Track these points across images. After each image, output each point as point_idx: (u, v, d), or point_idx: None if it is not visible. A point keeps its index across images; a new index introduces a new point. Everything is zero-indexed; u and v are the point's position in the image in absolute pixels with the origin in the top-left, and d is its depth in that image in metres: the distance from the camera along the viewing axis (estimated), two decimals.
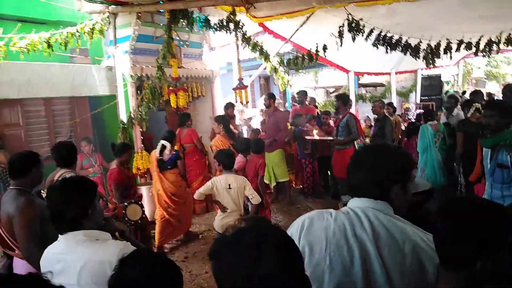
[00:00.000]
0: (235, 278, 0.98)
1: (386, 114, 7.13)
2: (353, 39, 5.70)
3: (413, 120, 10.49)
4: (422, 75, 12.45)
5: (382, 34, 5.80)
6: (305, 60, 6.78)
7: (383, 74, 11.89)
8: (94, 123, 7.03)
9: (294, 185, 7.79)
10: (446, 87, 13.33)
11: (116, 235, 2.20)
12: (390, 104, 7.95)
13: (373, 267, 1.34)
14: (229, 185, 4.26)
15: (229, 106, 7.42)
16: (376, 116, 6.98)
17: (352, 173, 1.51)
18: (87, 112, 6.80)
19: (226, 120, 5.75)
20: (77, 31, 5.53)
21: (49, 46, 5.20)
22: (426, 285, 1.31)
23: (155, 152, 5.52)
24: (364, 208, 1.44)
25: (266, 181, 6.65)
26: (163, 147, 5.41)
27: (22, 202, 2.71)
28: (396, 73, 11.85)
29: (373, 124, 8.03)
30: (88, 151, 6.35)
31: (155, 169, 5.48)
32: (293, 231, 1.45)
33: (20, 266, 2.80)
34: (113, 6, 5.84)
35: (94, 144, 6.59)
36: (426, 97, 12.31)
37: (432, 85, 12.29)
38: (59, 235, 1.86)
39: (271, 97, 7.22)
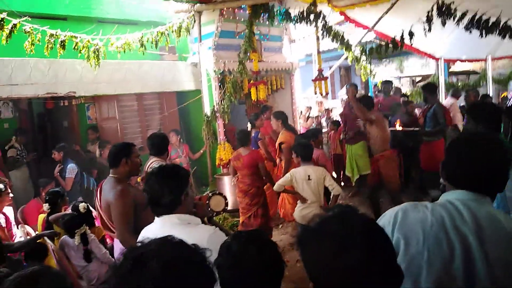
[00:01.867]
0: (322, 267, 0.98)
1: None
2: (443, 23, 5.32)
3: None
4: None
5: (477, 17, 5.32)
6: (389, 48, 6.47)
7: (477, 60, 10.94)
8: (181, 116, 7.45)
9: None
10: None
11: (205, 221, 2.34)
12: (485, 96, 6.97)
13: (475, 262, 1.26)
14: (309, 176, 4.25)
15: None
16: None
17: (454, 165, 1.43)
18: (174, 106, 7.22)
19: (284, 115, 5.63)
20: (166, 30, 5.87)
21: (142, 45, 5.59)
22: None
23: None
24: (464, 200, 1.36)
25: (348, 174, 6.51)
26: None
27: (119, 190, 2.94)
28: (493, 59, 10.81)
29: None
30: (175, 142, 6.73)
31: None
32: (384, 223, 1.38)
33: (120, 247, 3.09)
34: (198, 5, 6.10)
35: (181, 136, 6.98)
36: None
37: None
38: (156, 217, 2.00)
39: (353, 87, 6.99)
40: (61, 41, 4.83)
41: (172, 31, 5.93)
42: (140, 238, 2.05)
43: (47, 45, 4.72)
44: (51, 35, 4.76)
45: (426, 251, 1.29)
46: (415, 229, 1.31)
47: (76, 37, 5.05)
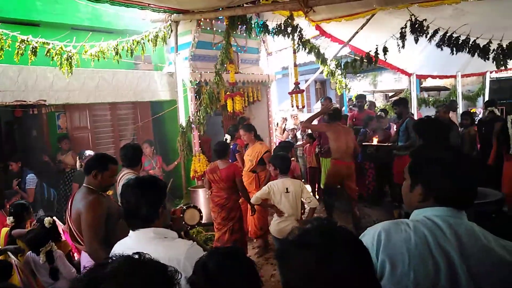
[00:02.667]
0: (303, 279, 0.97)
1: (451, 119, 6.77)
2: (416, 40, 5.45)
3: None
4: (491, 78, 11.68)
5: (448, 34, 5.49)
6: (364, 63, 6.59)
7: (447, 77, 11.30)
8: (155, 127, 7.33)
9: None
10: None
11: (181, 235, 2.27)
12: (466, 114, 6.97)
13: (460, 278, 1.26)
14: (287, 188, 4.22)
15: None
16: None
17: (438, 181, 1.41)
18: (149, 116, 7.11)
19: (254, 127, 5.63)
20: (142, 39, 5.80)
21: (117, 53, 5.49)
22: None
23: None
24: (443, 216, 1.36)
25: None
26: (225, 140, 5.61)
27: (90, 200, 2.86)
28: (462, 76, 11.20)
29: None
30: (149, 153, 6.60)
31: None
32: (367, 243, 1.33)
33: (88, 261, 2.97)
34: (175, 14, 6.06)
35: (155, 146, 6.85)
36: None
37: (502, 88, 11.52)
38: (130, 231, 1.93)
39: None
40: (33, 47, 4.69)
41: (148, 40, 5.86)
42: (112, 252, 1.96)
43: (17, 51, 4.58)
44: (22, 41, 4.61)
45: (412, 272, 1.27)
46: (400, 250, 1.29)
47: (48, 44, 4.92)
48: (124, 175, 3.67)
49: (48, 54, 4.92)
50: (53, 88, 5.36)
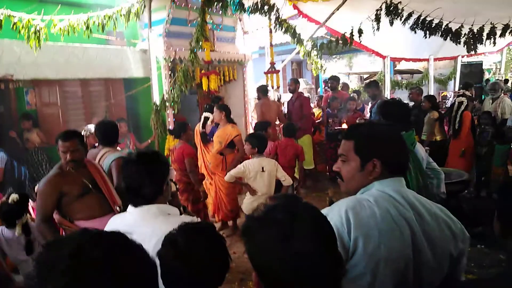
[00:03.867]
0: (268, 256, 0.98)
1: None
2: (391, 23, 5.52)
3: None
4: (462, 62, 11.96)
5: (421, 18, 5.58)
6: (339, 44, 6.63)
7: (420, 60, 11.49)
8: (128, 104, 7.18)
9: (328, 174, 7.60)
10: (487, 75, 12.78)
11: (181, 210, 2.27)
12: (429, 97, 6.87)
13: (421, 245, 1.37)
14: (263, 168, 4.28)
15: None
16: (413, 103, 6.77)
17: (392, 153, 1.52)
18: (122, 94, 6.96)
19: (228, 108, 5.58)
20: (114, 14, 5.62)
21: (88, 28, 5.31)
22: (457, 251, 1.43)
23: (198, 126, 5.65)
24: (396, 188, 1.46)
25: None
26: (206, 119, 5.57)
27: (45, 178, 3.00)
28: (435, 59, 11.42)
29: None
30: (124, 131, 6.49)
31: (199, 143, 5.57)
32: (336, 223, 1.35)
33: None
34: None
35: (128, 124, 6.74)
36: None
37: (473, 72, 11.82)
38: (130, 208, 1.89)
39: (295, 81, 7.12)
40: None
41: (121, 15, 5.68)
42: (107, 227, 1.93)
43: None
44: None
45: (383, 244, 1.33)
46: (369, 226, 1.35)
47: (14, 16, 4.72)
48: (106, 154, 3.60)
49: (14, 27, 4.71)
50: (20, 63, 5.15)
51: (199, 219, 1.89)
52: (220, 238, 1.51)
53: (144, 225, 1.78)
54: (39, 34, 4.85)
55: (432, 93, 11.71)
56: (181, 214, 2.12)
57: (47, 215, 2.94)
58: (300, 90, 9.25)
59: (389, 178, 1.47)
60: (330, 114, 7.25)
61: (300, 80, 12.55)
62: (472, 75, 11.80)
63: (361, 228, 1.34)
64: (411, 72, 13.45)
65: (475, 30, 5.45)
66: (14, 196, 3.30)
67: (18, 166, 5.43)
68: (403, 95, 9.85)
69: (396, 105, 3.21)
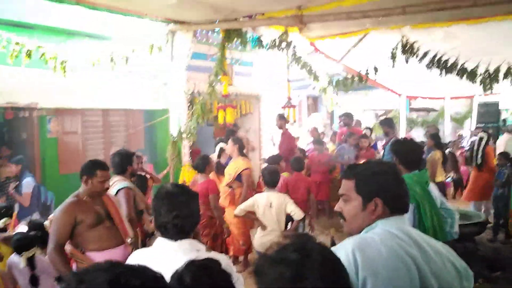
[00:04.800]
0: None
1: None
2: (406, 61, 5.58)
3: (466, 148, 10.07)
4: (478, 101, 11.93)
5: (437, 57, 5.64)
6: (354, 81, 6.71)
7: (436, 99, 11.51)
8: (146, 135, 7.32)
9: None
10: (504, 115, 12.68)
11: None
12: (433, 135, 6.81)
13: (428, 282, 1.36)
14: (271, 203, 4.25)
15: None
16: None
17: (393, 190, 1.54)
18: (141, 124, 7.10)
19: (241, 141, 5.63)
20: (138, 47, 5.83)
21: (112, 60, 5.51)
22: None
23: (213, 156, 5.67)
24: (399, 226, 1.47)
25: None
26: (221, 150, 5.57)
27: (62, 205, 2.99)
28: (451, 98, 11.43)
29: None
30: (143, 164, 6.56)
31: (213, 172, 5.57)
32: (344, 263, 1.35)
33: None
34: (172, 25, 6.12)
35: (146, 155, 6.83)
36: (482, 124, 11.75)
37: (489, 112, 11.74)
38: (161, 241, 1.86)
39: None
40: (27, 50, 4.70)
41: (144, 49, 5.90)
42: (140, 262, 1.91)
43: (12, 53, 4.58)
44: (17, 43, 4.63)
45: (391, 284, 1.32)
46: (377, 265, 1.34)
47: (42, 47, 4.94)
48: (116, 183, 3.66)
49: (42, 57, 4.93)
50: (45, 92, 5.35)
51: (228, 257, 1.88)
52: (227, 276, 1.49)
53: (175, 262, 1.68)
54: (65, 64, 5.05)
55: (448, 132, 11.66)
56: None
57: (60, 243, 2.91)
58: (315, 125, 9.33)
59: (392, 217, 1.48)
60: (343, 150, 7.25)
61: (316, 115, 12.65)
62: (489, 114, 11.72)
63: (369, 267, 1.33)
64: (427, 110, 13.44)
65: (492, 70, 5.47)
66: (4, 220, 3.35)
67: (45, 191, 5.53)
68: (418, 133, 9.82)
69: (409, 144, 3.25)
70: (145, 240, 3.64)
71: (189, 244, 1.84)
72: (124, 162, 3.80)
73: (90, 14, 5.86)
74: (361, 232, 1.51)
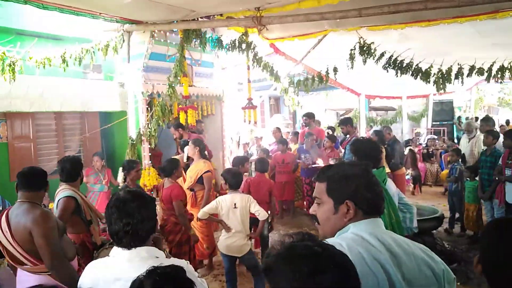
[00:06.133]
0: None
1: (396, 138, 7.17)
2: (364, 61, 5.71)
3: (424, 145, 10.44)
4: (434, 100, 12.40)
5: (393, 58, 5.81)
6: (315, 81, 6.79)
7: (394, 98, 11.88)
8: (103, 138, 7.08)
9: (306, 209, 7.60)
10: (458, 113, 13.27)
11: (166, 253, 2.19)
12: (377, 132, 7.09)
13: (400, 287, 1.34)
14: (235, 204, 4.21)
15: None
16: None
17: (363, 192, 1.49)
18: (97, 127, 6.86)
19: (203, 144, 5.56)
20: (92, 48, 5.64)
21: (64, 61, 5.29)
22: None
23: (182, 158, 5.57)
24: (369, 230, 1.43)
25: None
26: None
27: (41, 213, 2.73)
28: (408, 97, 11.83)
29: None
30: (99, 166, 6.35)
31: (182, 175, 5.43)
32: None
33: (26, 281, 2.76)
34: (127, 25, 5.96)
35: (103, 159, 6.61)
36: (438, 122, 12.23)
37: (444, 110, 12.26)
38: (116, 250, 1.80)
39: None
40: None
41: (99, 49, 5.71)
42: (90, 279, 1.81)
43: None
44: None
45: None
46: None
47: None
48: (60, 192, 3.46)
49: None
50: None
51: (188, 263, 1.83)
52: (189, 282, 1.46)
53: (133, 271, 1.64)
54: (14, 66, 4.80)
55: (405, 130, 12.05)
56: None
57: (61, 251, 2.76)
58: (277, 125, 9.37)
59: (364, 220, 1.45)
60: (302, 150, 7.34)
61: (278, 115, 12.72)
62: (444, 112, 12.23)
63: None
64: (386, 109, 13.84)
65: (444, 70, 5.69)
66: None
67: (2, 199, 5.23)
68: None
69: (367, 143, 3.32)
70: (93, 253, 3.47)
71: (146, 252, 1.78)
72: (75, 169, 3.60)
73: (41, 13, 5.63)
74: (334, 235, 1.49)
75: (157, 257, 1.78)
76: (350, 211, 1.46)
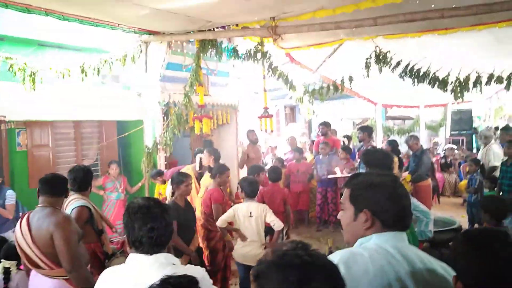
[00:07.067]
0: None
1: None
2: (380, 70, 5.67)
3: (442, 155, 10.26)
4: (452, 109, 12.20)
5: (410, 66, 5.75)
6: (330, 90, 6.78)
7: (411, 107, 11.73)
8: (120, 147, 7.17)
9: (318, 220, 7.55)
10: (477, 122, 13.02)
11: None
12: (391, 141, 7.25)
13: None
14: (250, 213, 4.21)
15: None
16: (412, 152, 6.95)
17: (384, 205, 1.47)
18: (114, 136, 6.96)
19: (218, 153, 5.64)
20: (110, 58, 5.74)
21: (83, 71, 5.40)
22: None
23: (194, 167, 5.66)
24: (394, 244, 1.42)
25: None
26: (200, 159, 5.58)
27: (63, 217, 2.84)
28: (425, 106, 11.66)
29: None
30: (115, 174, 6.43)
31: (195, 184, 5.47)
32: None
33: (40, 285, 2.81)
34: (145, 35, 6.05)
35: (119, 167, 6.69)
36: (456, 132, 12.02)
37: (463, 119, 12.04)
38: (133, 256, 1.83)
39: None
40: None
41: (117, 60, 5.81)
42: (109, 284, 1.84)
43: None
44: None
45: None
46: (361, 283, 1.32)
47: (11, 58, 4.81)
48: (72, 201, 3.51)
49: (11, 69, 4.79)
50: (14, 104, 5.18)
51: (204, 270, 1.84)
52: None
53: (154, 276, 1.63)
54: (34, 76, 4.92)
55: (423, 140, 11.86)
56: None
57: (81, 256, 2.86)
58: (292, 134, 9.35)
59: (388, 232, 1.44)
60: (319, 160, 7.28)
61: (293, 124, 12.70)
62: (462, 122, 12.01)
63: (350, 283, 1.29)
64: (403, 118, 13.68)
65: (462, 79, 5.61)
66: None
67: (22, 206, 5.37)
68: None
69: (378, 152, 3.31)
70: (105, 262, 3.50)
71: (165, 258, 1.81)
72: (86, 178, 3.66)
73: (61, 24, 5.77)
74: (356, 242, 1.50)
75: (174, 264, 1.81)
76: (368, 220, 1.45)
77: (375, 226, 1.45)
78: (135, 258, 1.83)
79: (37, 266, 2.83)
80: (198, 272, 1.75)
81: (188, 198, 5.01)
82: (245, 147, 7.25)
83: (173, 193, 4.27)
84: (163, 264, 1.77)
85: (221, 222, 4.28)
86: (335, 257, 1.38)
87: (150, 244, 1.80)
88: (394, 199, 1.46)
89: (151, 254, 1.80)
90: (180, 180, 4.23)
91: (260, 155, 6.97)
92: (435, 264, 1.43)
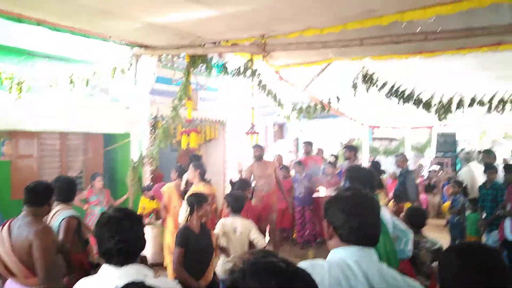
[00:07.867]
0: None
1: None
2: (367, 90, 5.78)
3: (426, 177, 10.38)
4: (438, 132, 12.42)
5: (395, 87, 5.88)
6: (317, 109, 6.86)
7: (398, 128, 11.89)
8: (106, 159, 7.12)
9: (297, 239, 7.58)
10: (461, 145, 13.26)
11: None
12: (374, 162, 7.40)
13: None
14: (236, 228, 4.19)
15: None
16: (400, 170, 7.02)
17: (342, 220, 1.49)
18: (101, 148, 6.91)
19: (203, 168, 5.63)
20: (100, 70, 5.74)
21: (71, 82, 5.38)
22: None
23: (176, 184, 5.62)
24: (356, 259, 1.43)
25: None
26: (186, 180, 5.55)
27: (43, 228, 2.81)
28: (412, 128, 11.84)
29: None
30: (100, 186, 6.36)
31: (178, 201, 5.40)
32: None
33: None
34: (136, 48, 6.08)
35: (104, 180, 6.61)
36: (441, 154, 12.21)
37: (447, 142, 12.24)
38: (106, 268, 1.81)
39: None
40: None
41: (107, 70, 5.81)
42: None
43: None
44: None
45: None
46: None
47: None
48: (59, 211, 3.48)
49: None
50: None
51: (176, 282, 1.84)
52: None
53: None
54: (21, 85, 4.89)
55: (409, 161, 11.99)
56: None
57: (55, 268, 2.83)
58: (280, 152, 9.40)
59: (353, 246, 1.45)
60: (296, 179, 7.40)
61: (282, 141, 12.75)
62: (447, 144, 12.22)
63: None
64: (389, 139, 13.85)
65: (445, 101, 5.74)
66: None
67: (3, 217, 5.24)
68: (383, 161, 10.04)
69: (362, 170, 3.36)
70: (90, 272, 3.45)
71: (136, 270, 1.79)
72: (71, 189, 3.65)
73: (51, 34, 5.77)
74: None
75: (145, 276, 1.79)
76: (328, 231, 1.51)
77: (334, 239, 1.49)
78: (105, 269, 1.82)
79: (12, 274, 2.79)
80: (170, 284, 1.76)
81: (173, 218, 4.98)
82: (242, 167, 7.23)
83: (189, 216, 3.78)
84: (133, 276, 1.74)
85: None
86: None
87: (119, 256, 1.79)
88: (351, 213, 1.47)
89: (121, 266, 1.79)
90: (198, 201, 3.76)
91: (270, 172, 6.81)
92: (402, 283, 1.42)
